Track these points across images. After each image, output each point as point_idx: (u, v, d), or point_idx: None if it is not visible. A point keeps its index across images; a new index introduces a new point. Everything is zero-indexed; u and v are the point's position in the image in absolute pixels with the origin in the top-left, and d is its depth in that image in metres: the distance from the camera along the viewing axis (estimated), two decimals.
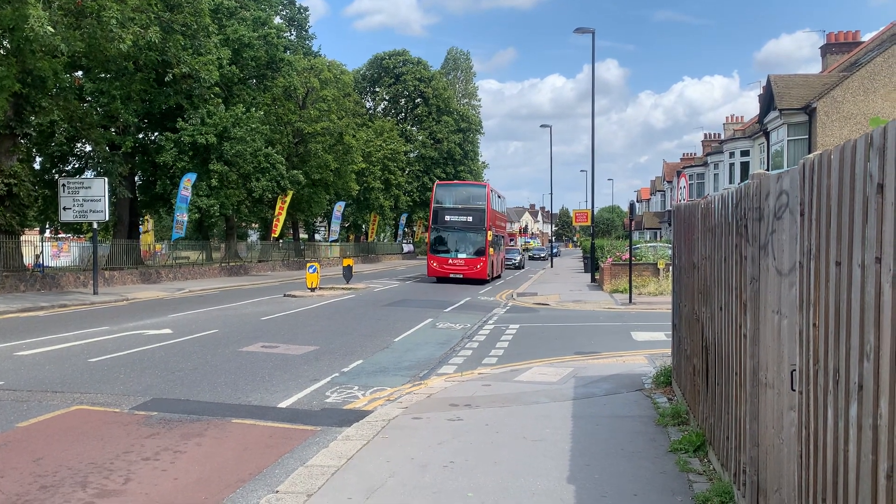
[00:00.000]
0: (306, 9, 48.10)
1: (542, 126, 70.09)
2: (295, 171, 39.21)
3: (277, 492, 5.42)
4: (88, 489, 5.70)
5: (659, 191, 70.96)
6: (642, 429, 7.41)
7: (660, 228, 63.97)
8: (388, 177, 57.23)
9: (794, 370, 3.59)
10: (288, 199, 40.42)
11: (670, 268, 16.03)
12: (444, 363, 11.98)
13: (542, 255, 72.58)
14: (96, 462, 6.36)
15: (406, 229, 71.09)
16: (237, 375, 10.47)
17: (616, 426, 7.53)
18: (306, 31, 47.71)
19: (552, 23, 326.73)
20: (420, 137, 67.32)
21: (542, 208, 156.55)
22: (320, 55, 47.41)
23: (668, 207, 57.28)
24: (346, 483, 5.62)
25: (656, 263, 27.53)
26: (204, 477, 6.11)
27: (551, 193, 71.44)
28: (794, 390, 3.60)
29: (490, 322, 17.98)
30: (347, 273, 29.66)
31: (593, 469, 6.06)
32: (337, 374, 10.78)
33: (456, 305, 22.26)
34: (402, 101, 68.76)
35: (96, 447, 6.83)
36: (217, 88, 32.46)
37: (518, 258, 51.63)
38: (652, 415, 7.95)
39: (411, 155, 65.92)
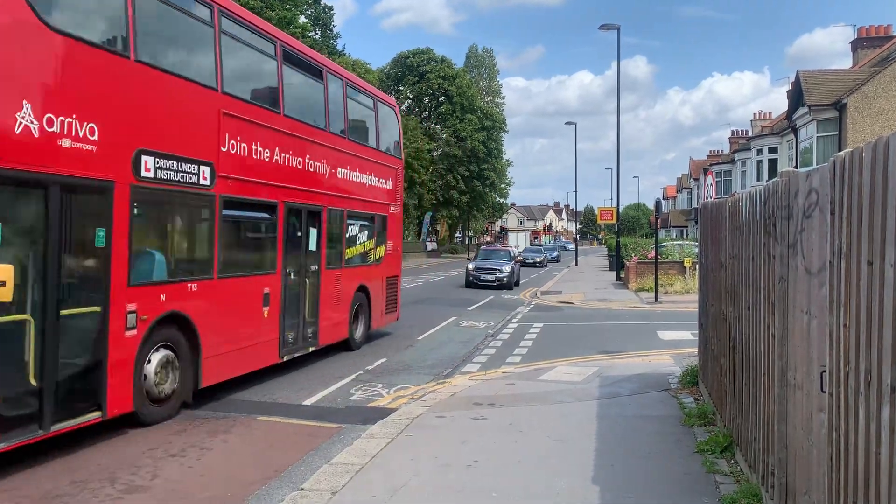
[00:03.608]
0: (331, 8, 48.33)
1: (567, 123, 69.85)
2: None
3: (302, 489, 5.45)
4: (117, 485, 5.78)
5: (685, 188, 70.25)
6: (668, 429, 7.34)
7: (686, 226, 63.34)
8: (411, 175, 57.20)
9: (824, 371, 3.52)
10: None
11: (697, 266, 15.87)
12: (467, 362, 11.97)
13: (538, 260, 48.96)
14: (124, 458, 6.45)
15: (430, 228, 71.10)
16: (260, 373, 10.53)
17: (641, 426, 7.46)
18: (331, 30, 47.92)
19: (581, 19, 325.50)
20: (444, 135, 67.21)
21: (567, 206, 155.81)
22: (345, 54, 47.61)
23: (695, 205, 56.69)
24: (370, 481, 5.64)
25: (682, 262, 27.25)
26: (230, 474, 6.16)
27: (576, 191, 70.98)
28: (823, 392, 3.54)
29: (514, 321, 17.94)
30: None
31: (618, 469, 6.01)
32: (361, 372, 10.82)
33: (479, 304, 22.23)
34: (426, 99, 68.74)
35: (125, 443, 6.92)
36: None
37: (507, 269, 28.90)
38: (678, 415, 7.87)
39: (435, 153, 65.86)
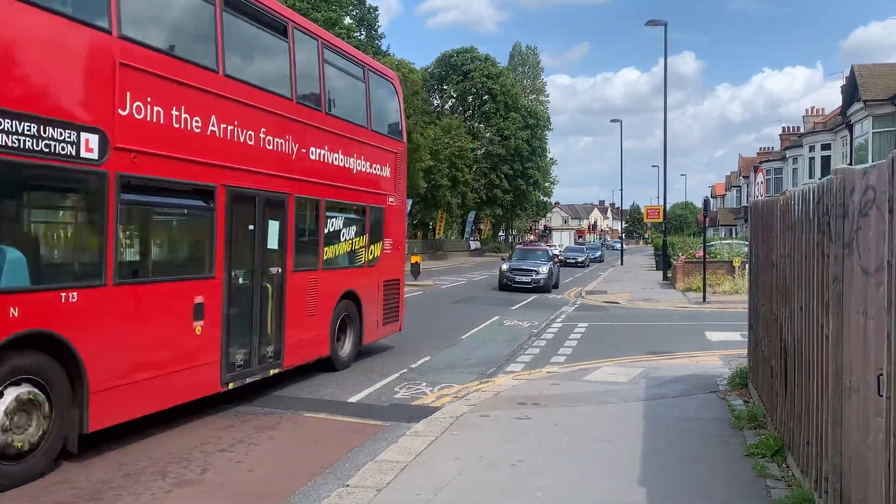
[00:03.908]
0: (376, 8, 48.81)
1: (612, 121, 69.19)
2: None
3: (348, 485, 5.51)
4: (168, 478, 5.93)
5: (734, 186, 68.86)
6: (716, 431, 7.20)
7: (735, 225, 62.08)
8: (455, 174, 57.32)
9: (881, 374, 3.42)
10: None
11: (746, 265, 15.54)
12: (511, 361, 11.94)
13: (580, 260, 48.56)
14: (175, 452, 6.60)
15: (473, 227, 71.12)
16: (307, 369, 10.65)
17: (689, 428, 7.34)
18: (376, 30, 48.32)
19: (626, 16, 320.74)
20: (487, 134, 67.11)
21: (612, 205, 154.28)
22: (390, 54, 47.90)
23: (744, 203, 55.51)
24: (414, 479, 5.66)
25: (731, 261, 26.71)
26: (277, 469, 6.26)
27: (621, 189, 69.78)
28: (881, 395, 3.43)
29: (558, 320, 17.81)
30: (415, 270, 29.87)
31: (665, 471, 5.92)
32: (405, 370, 10.88)
33: (523, 303, 22.13)
34: (470, 98, 68.72)
35: (175, 438, 7.10)
36: None
37: (544, 270, 26.60)
38: (727, 417, 7.72)
39: (479, 152, 65.82)
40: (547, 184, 75.20)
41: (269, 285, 8.80)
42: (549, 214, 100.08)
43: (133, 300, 6.70)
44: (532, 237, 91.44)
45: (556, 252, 37.39)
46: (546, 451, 6.52)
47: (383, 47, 49.35)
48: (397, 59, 47.63)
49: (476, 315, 18.34)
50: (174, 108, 7.11)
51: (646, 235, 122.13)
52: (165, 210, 7.56)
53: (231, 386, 8.10)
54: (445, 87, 68.20)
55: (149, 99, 6.76)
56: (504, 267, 27.27)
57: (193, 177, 7.45)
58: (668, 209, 36.70)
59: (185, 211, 7.82)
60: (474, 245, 69.92)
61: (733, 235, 53.24)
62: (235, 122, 8.02)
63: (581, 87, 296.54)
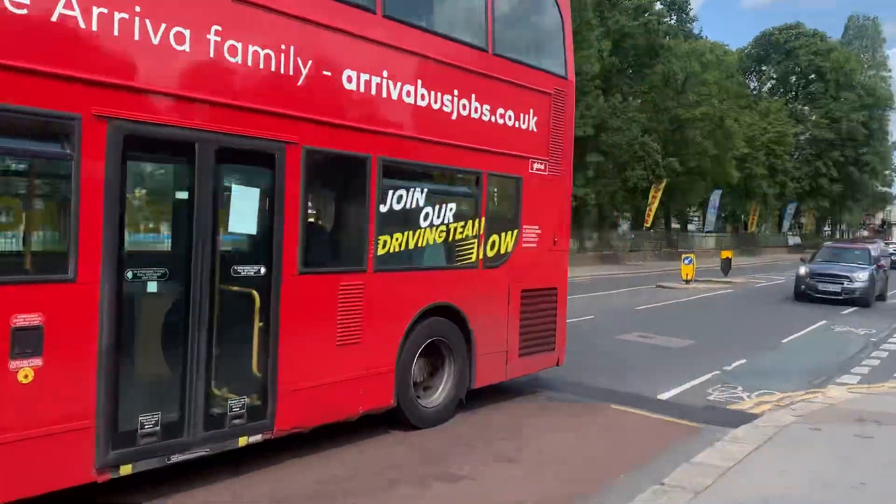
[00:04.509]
0: None
1: None
2: (670, 159, 38.37)
3: (663, 484, 5.39)
4: (490, 451, 6.37)
5: None
6: None
7: None
8: (773, 162, 52.64)
9: None
10: (662, 187, 39.69)
11: None
12: (844, 372, 10.67)
13: None
14: (492, 428, 7.06)
15: (793, 220, 64.69)
16: (613, 361, 10.65)
17: None
18: (687, 13, 46.23)
19: None
20: (813, 117, 60.50)
21: None
22: (702, 37, 45.57)
23: None
24: (736, 487, 5.34)
25: None
26: (589, 457, 6.38)
27: None
28: None
29: None
30: (725, 266, 28.12)
31: None
32: (718, 372, 10.31)
33: (855, 308, 19.57)
34: (793, 78, 62.54)
35: (490, 413, 7.60)
36: (597, 80, 33.24)
37: (862, 277, 20.04)
38: None
39: (802, 137, 59.64)
40: (887, 171, 65.85)
41: (238, 294, 5.34)
42: (888, 207, 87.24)
43: None
44: (866, 233, 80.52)
45: (890, 251, 30.95)
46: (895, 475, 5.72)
47: (695, 31, 47.05)
48: (710, 42, 45.20)
49: (798, 317, 16.72)
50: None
51: None
52: None
53: (128, 471, 4.65)
54: (764, 68, 63.01)
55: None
56: (802, 270, 21.01)
57: (16, 97, 4.08)
58: None
59: None
60: (793, 240, 63.66)
61: None
62: (137, 9, 4.57)
63: None
